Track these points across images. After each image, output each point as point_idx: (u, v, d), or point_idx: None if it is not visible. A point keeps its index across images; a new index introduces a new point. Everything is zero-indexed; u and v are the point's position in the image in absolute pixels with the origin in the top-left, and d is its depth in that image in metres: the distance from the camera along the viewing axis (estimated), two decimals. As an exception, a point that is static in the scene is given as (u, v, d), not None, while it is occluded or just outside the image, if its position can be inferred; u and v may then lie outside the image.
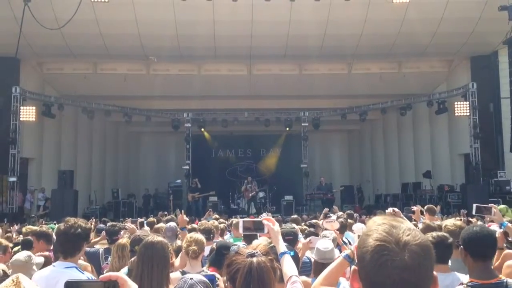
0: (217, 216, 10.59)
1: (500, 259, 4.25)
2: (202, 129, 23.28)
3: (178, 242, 5.57)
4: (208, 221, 8.26)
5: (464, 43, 18.89)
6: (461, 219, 6.55)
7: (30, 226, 8.01)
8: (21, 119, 18.68)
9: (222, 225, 7.70)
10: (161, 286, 3.04)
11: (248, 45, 18.77)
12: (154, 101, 22.01)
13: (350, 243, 5.88)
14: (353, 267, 1.38)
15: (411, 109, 21.69)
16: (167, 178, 24.32)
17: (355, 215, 11.70)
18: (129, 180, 25.82)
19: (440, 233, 3.72)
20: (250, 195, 21.14)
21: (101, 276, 1.44)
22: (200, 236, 4.62)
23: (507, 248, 4.54)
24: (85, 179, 22.19)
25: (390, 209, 5.83)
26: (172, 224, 7.33)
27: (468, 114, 19.35)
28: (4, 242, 5.59)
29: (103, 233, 7.13)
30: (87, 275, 3.37)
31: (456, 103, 19.73)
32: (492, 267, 3.53)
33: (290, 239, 5.09)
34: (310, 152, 22.89)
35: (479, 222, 6.18)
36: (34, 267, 3.99)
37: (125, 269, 4.06)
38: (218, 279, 3.71)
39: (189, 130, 22.10)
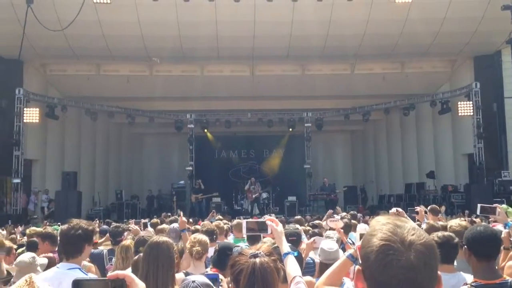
0: (221, 217, 10.57)
1: (507, 259, 4.23)
2: (205, 130, 23.31)
3: (180, 244, 5.57)
4: (212, 222, 8.26)
5: (467, 42, 18.84)
6: (465, 220, 6.54)
7: (34, 228, 8.03)
8: (24, 120, 18.72)
9: (226, 226, 7.69)
10: (166, 286, 3.03)
11: (250, 45, 18.77)
12: (156, 102, 22.04)
13: (354, 243, 5.87)
14: (357, 267, 1.37)
15: (414, 109, 21.64)
16: (171, 179, 24.36)
17: (359, 215, 11.69)
18: (133, 182, 25.86)
19: (446, 233, 3.71)
20: (254, 196, 21.13)
21: (108, 275, 1.44)
22: (204, 237, 4.61)
23: None
24: (89, 180, 22.23)
25: (393, 209, 5.81)
26: (176, 225, 7.33)
27: (471, 114, 19.30)
28: (8, 243, 5.59)
29: (107, 234, 7.15)
30: (90, 276, 3.37)
31: (459, 103, 19.69)
32: (498, 267, 3.52)
33: (294, 239, 5.09)
34: (313, 152, 22.88)
35: (483, 223, 6.15)
36: (39, 268, 4.00)
37: (128, 270, 4.06)
38: (221, 280, 3.71)
39: (192, 131, 22.12)
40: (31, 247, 5.69)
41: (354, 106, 22.20)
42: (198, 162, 22.20)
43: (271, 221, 2.97)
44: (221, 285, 3.62)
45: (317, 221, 8.87)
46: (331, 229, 6.05)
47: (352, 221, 8.12)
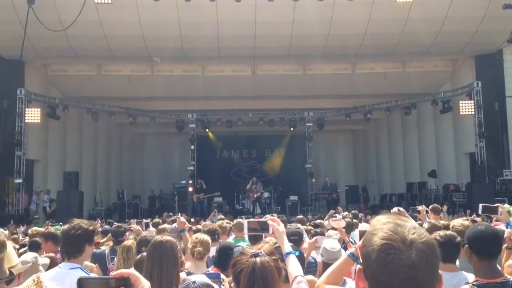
0: (222, 217, 10.58)
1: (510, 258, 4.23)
2: (207, 130, 23.31)
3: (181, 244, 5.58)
4: (213, 222, 8.26)
5: (468, 42, 18.82)
6: (467, 219, 6.53)
7: (36, 228, 8.04)
8: (26, 121, 18.75)
9: (228, 226, 7.69)
10: (171, 286, 3.02)
11: (251, 45, 18.76)
12: (158, 102, 22.05)
13: (355, 243, 5.87)
14: (358, 266, 1.37)
15: (415, 109, 21.63)
16: (172, 179, 24.38)
17: (360, 215, 11.68)
18: (134, 181, 25.88)
19: (448, 232, 3.71)
20: (255, 196, 21.14)
21: (113, 273, 1.44)
22: (205, 237, 4.62)
23: None
24: (91, 180, 22.26)
25: (395, 209, 5.82)
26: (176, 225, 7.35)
27: (473, 113, 19.28)
28: (10, 243, 5.59)
29: (109, 234, 7.16)
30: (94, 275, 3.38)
31: (461, 102, 19.66)
32: (500, 266, 3.52)
33: (295, 239, 5.09)
34: (314, 152, 22.86)
35: (485, 221, 6.14)
36: (41, 267, 4.01)
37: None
38: (223, 279, 3.72)
39: (194, 131, 22.12)
40: (33, 247, 5.71)
41: (355, 106, 22.19)
42: (199, 162, 22.21)
43: (273, 220, 2.97)
44: (223, 285, 3.63)
45: (319, 221, 8.87)
46: (333, 228, 6.06)
47: (354, 220, 8.12)
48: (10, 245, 2.74)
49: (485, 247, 3.09)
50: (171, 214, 13.82)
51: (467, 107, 19.45)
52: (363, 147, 27.00)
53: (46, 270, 3.91)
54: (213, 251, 4.97)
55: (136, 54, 19.37)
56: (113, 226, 7.83)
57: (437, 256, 1.31)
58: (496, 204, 5.29)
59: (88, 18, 16.40)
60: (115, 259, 5.60)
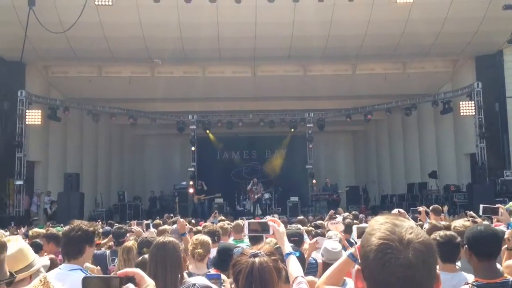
0: (223, 218, 10.58)
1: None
2: (207, 131, 23.31)
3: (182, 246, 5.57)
4: (214, 223, 8.26)
5: (469, 42, 18.82)
6: (468, 220, 6.53)
7: (37, 229, 8.05)
8: (27, 122, 18.77)
9: (229, 227, 7.69)
10: (175, 286, 3.02)
11: (252, 46, 18.77)
12: (158, 103, 22.07)
13: (356, 243, 5.86)
14: (356, 266, 1.38)
15: (416, 109, 21.63)
16: (173, 180, 24.37)
17: (361, 215, 11.68)
18: (135, 183, 25.89)
19: (448, 233, 3.71)
20: (256, 197, 21.14)
21: (118, 272, 1.45)
22: (206, 238, 4.62)
23: None
24: (91, 181, 22.27)
25: (395, 210, 5.82)
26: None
27: (473, 113, 19.28)
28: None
29: (110, 235, 7.16)
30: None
31: (461, 102, 19.65)
32: (501, 267, 3.52)
33: (296, 240, 5.10)
34: (315, 153, 22.87)
35: (485, 222, 6.14)
36: (41, 268, 4.01)
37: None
38: (223, 280, 3.72)
39: (194, 132, 22.13)
40: (35, 248, 5.70)
41: (356, 107, 22.19)
42: (200, 163, 22.21)
43: (273, 221, 2.98)
44: (224, 286, 3.63)
45: (319, 221, 8.87)
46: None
47: (354, 221, 8.12)
48: (25, 242, 2.73)
49: (484, 247, 3.09)
50: (171, 215, 13.81)
51: (467, 108, 19.45)
52: (364, 148, 26.99)
53: (47, 271, 3.91)
54: (213, 253, 4.97)
55: (137, 55, 19.39)
56: (114, 227, 7.82)
57: (434, 255, 1.31)
58: (497, 205, 5.30)
59: (89, 20, 16.42)
60: (116, 260, 5.61)
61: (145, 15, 17.35)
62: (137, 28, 17.74)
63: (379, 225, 1.33)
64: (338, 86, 21.16)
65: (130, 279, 1.42)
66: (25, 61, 18.58)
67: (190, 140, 22.09)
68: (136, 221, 10.18)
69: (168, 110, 22.67)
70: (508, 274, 3.11)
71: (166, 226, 7.51)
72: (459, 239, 3.63)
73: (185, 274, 3.80)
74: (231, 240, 6.99)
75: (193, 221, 11.27)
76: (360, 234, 1.45)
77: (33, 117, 18.98)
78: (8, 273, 1.92)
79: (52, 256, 4.90)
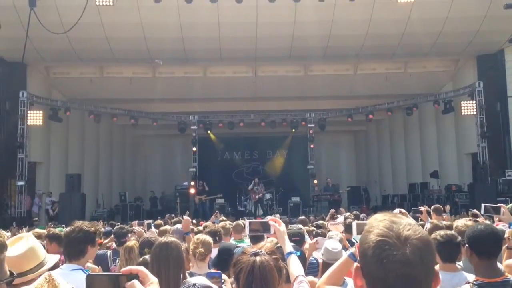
0: (224, 218, 10.58)
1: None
2: (208, 132, 23.32)
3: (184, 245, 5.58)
4: (215, 223, 8.26)
5: (470, 42, 18.81)
6: (470, 220, 6.52)
7: (38, 230, 8.05)
8: (28, 123, 18.79)
9: (231, 227, 7.69)
10: (177, 286, 3.02)
11: (252, 47, 18.78)
12: (159, 104, 22.08)
13: (357, 242, 5.85)
14: (355, 264, 1.38)
15: (417, 109, 21.61)
16: (174, 180, 24.39)
17: (362, 215, 11.67)
18: (136, 183, 25.92)
19: (448, 232, 3.71)
20: (257, 197, 21.14)
21: (122, 269, 1.45)
22: (207, 238, 4.62)
23: None
24: (93, 182, 22.29)
25: (396, 210, 5.81)
26: (179, 226, 7.36)
27: (475, 113, 19.26)
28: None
29: (112, 235, 7.17)
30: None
31: (462, 102, 19.64)
32: (502, 266, 3.51)
33: (297, 239, 5.10)
34: (316, 153, 22.87)
35: (487, 221, 6.14)
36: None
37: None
38: (224, 280, 3.72)
39: (195, 133, 22.14)
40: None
41: (357, 107, 22.18)
42: (201, 164, 22.23)
43: (274, 221, 2.98)
44: (225, 285, 3.63)
45: (320, 222, 8.87)
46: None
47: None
48: (36, 240, 2.70)
49: (485, 246, 3.09)
50: (173, 215, 13.82)
51: (468, 108, 19.43)
52: (365, 148, 26.99)
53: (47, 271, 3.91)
54: (215, 253, 4.98)
55: (138, 56, 19.40)
56: (115, 227, 7.83)
57: (432, 252, 1.31)
58: (499, 204, 5.29)
59: (90, 20, 16.43)
60: (117, 260, 5.61)
61: (146, 16, 17.36)
62: (138, 29, 17.75)
63: (377, 223, 1.34)
64: (339, 86, 21.16)
65: (134, 276, 1.42)
66: (26, 62, 18.60)
67: (191, 141, 22.11)
68: (137, 221, 10.19)
69: (169, 110, 22.69)
70: (509, 273, 3.10)
71: (167, 227, 7.52)
72: (459, 238, 3.62)
73: (187, 274, 3.81)
74: (231, 240, 7.00)
75: (194, 221, 11.27)
76: (360, 230, 1.46)
77: (35, 118, 19.00)
78: (8, 273, 1.92)
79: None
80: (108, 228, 8.83)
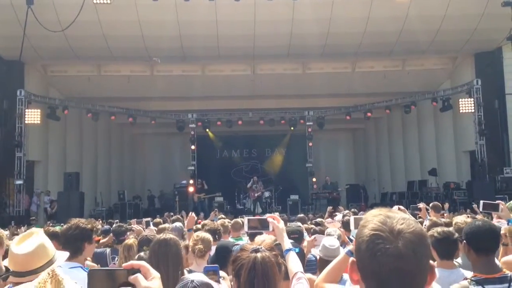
0: (223, 216, 10.58)
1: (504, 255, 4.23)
2: (207, 130, 23.31)
3: (183, 242, 5.58)
4: (214, 221, 8.26)
5: (468, 40, 18.82)
6: (469, 216, 6.54)
7: (36, 228, 8.06)
8: (26, 122, 18.75)
9: (229, 225, 7.69)
10: (176, 283, 3.01)
11: (251, 44, 18.78)
12: (158, 102, 22.06)
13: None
14: (351, 259, 1.39)
15: (415, 107, 21.63)
16: (173, 179, 24.38)
17: (361, 213, 11.67)
18: (135, 182, 25.90)
19: (445, 229, 3.72)
20: (256, 195, 21.15)
21: (123, 264, 1.45)
22: (207, 235, 4.62)
23: None
24: (91, 181, 22.27)
25: (395, 207, 5.81)
26: (178, 224, 7.36)
27: (473, 111, 19.28)
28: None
29: (111, 234, 7.17)
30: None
31: (460, 100, 19.66)
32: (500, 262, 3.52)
33: (296, 237, 5.12)
34: (315, 151, 22.87)
35: (485, 218, 6.15)
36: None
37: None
38: (223, 277, 3.72)
39: (194, 131, 22.13)
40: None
41: (355, 105, 22.18)
42: (200, 162, 22.22)
43: (273, 218, 2.98)
44: (222, 277, 3.62)
45: (319, 219, 8.88)
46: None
47: (354, 219, 8.11)
48: (45, 237, 2.68)
49: (482, 242, 3.09)
50: (171, 213, 13.83)
51: (467, 105, 19.45)
52: (364, 146, 27.01)
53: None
54: (213, 250, 4.98)
55: (136, 54, 19.38)
56: (114, 225, 7.83)
57: (426, 246, 1.32)
58: (497, 201, 5.30)
59: (87, 18, 16.40)
60: (116, 258, 5.61)
61: (144, 14, 17.34)
62: (135, 27, 17.73)
63: (372, 217, 1.35)
64: (337, 84, 21.16)
65: (136, 271, 1.42)
66: (24, 60, 18.55)
67: (190, 139, 22.09)
68: (135, 219, 10.19)
69: (168, 108, 22.66)
70: (506, 269, 3.11)
71: (166, 225, 7.51)
72: (456, 235, 3.63)
73: (186, 271, 3.81)
74: (229, 238, 7.00)
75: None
76: (357, 225, 1.46)
77: (33, 116, 18.96)
78: (4, 269, 1.91)
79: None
80: (107, 227, 8.83)
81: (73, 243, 3.42)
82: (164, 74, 20.91)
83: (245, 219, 3.24)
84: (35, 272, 2.38)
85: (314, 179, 21.60)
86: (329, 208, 11.17)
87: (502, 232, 3.88)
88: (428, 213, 8.07)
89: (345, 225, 6.19)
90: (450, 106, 20.18)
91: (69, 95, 21.49)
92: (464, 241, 3.21)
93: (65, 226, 3.58)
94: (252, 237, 4.43)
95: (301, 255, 4.14)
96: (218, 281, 3.17)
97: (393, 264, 1.25)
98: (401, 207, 5.78)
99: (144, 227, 7.91)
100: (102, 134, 23.57)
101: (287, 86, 21.24)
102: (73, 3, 15.92)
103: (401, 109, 22.17)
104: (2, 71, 19.10)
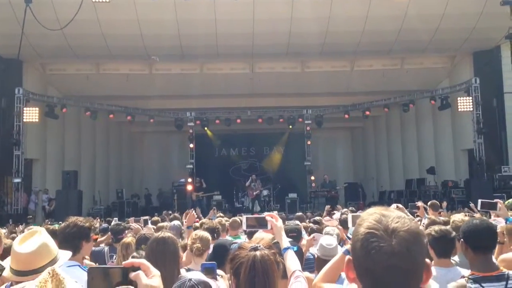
0: (221, 215, 10.58)
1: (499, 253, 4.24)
2: (205, 128, 23.30)
3: (182, 241, 5.59)
4: (211, 219, 8.26)
5: (466, 38, 18.84)
6: (466, 215, 6.54)
7: (33, 227, 8.05)
8: (24, 120, 18.72)
9: (227, 223, 7.70)
10: (172, 282, 3.01)
11: (249, 43, 18.77)
12: (156, 101, 22.05)
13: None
14: (347, 257, 1.40)
15: (414, 105, 21.64)
16: (171, 177, 24.38)
17: (358, 211, 11.69)
18: (133, 180, 25.90)
19: (442, 227, 3.72)
20: (254, 193, 21.15)
21: (124, 262, 1.45)
22: (205, 234, 4.62)
23: None
24: (89, 179, 22.25)
25: (394, 205, 5.81)
26: (176, 222, 7.37)
27: (471, 109, 19.31)
28: (10, 242, 5.59)
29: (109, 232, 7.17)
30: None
31: (459, 98, 19.68)
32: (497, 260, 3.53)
33: (294, 235, 5.12)
34: (313, 149, 22.90)
35: (484, 217, 6.15)
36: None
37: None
38: (221, 276, 3.72)
39: (193, 129, 22.12)
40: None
41: (354, 103, 22.18)
42: (198, 160, 22.22)
43: (271, 216, 2.98)
44: (220, 275, 3.62)
45: (317, 218, 8.89)
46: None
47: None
48: (48, 235, 2.67)
49: (480, 240, 3.10)
50: (170, 212, 13.83)
51: (465, 104, 19.47)
52: (362, 144, 27.03)
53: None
54: (211, 249, 4.98)
55: (134, 52, 19.36)
56: (112, 223, 7.83)
57: (421, 244, 1.32)
58: (496, 200, 5.31)
59: (86, 17, 16.38)
60: (114, 256, 5.61)
61: (143, 12, 17.32)
62: (134, 25, 17.71)
63: (367, 216, 1.36)
64: (336, 83, 21.17)
65: (136, 269, 1.42)
66: (22, 58, 18.52)
67: (188, 137, 22.10)
68: (133, 218, 10.19)
69: (166, 107, 22.64)
70: (504, 267, 3.12)
71: (164, 223, 7.52)
72: (453, 234, 3.64)
73: (184, 270, 3.81)
74: (227, 237, 7.01)
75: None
76: (355, 222, 1.47)
77: (31, 114, 18.93)
78: None
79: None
80: (105, 225, 8.83)
81: (71, 241, 3.40)
82: (163, 73, 20.89)
83: (243, 218, 3.24)
84: (38, 271, 2.36)
85: (312, 178, 21.62)
86: (327, 207, 11.17)
87: (498, 230, 3.89)
88: (426, 211, 8.09)
89: (343, 223, 6.20)
90: (449, 104, 20.20)
91: (68, 93, 21.45)
92: (462, 239, 3.21)
93: (63, 224, 3.57)
94: (250, 235, 4.43)
95: (299, 253, 4.15)
96: (215, 279, 3.17)
97: (387, 262, 1.26)
98: (400, 205, 5.78)
99: (142, 225, 7.91)
100: (100, 132, 23.54)
101: (286, 84, 21.24)
102: (71, 2, 15.89)
103: (400, 107, 22.18)
104: (0, 69, 19.07)
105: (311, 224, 7.60)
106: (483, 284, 2.91)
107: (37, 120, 19.22)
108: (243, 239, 6.16)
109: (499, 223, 4.41)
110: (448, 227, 3.92)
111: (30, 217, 18.05)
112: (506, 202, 7.34)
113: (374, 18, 17.62)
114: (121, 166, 25.27)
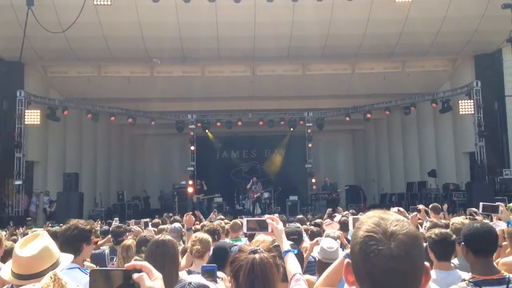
0: (222, 217, 10.58)
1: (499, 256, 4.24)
2: (206, 131, 23.32)
3: (182, 244, 5.59)
4: (212, 221, 8.26)
5: (468, 41, 18.84)
6: (467, 218, 6.53)
7: (35, 229, 8.05)
8: (26, 122, 18.76)
9: (227, 226, 7.70)
10: (170, 285, 3.01)
11: (251, 46, 18.79)
12: (157, 103, 22.06)
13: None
14: (346, 260, 1.40)
15: (415, 108, 21.63)
16: (172, 179, 24.38)
17: (359, 214, 11.67)
18: (134, 182, 25.90)
19: (443, 230, 3.72)
20: (255, 196, 21.14)
21: (126, 265, 1.44)
22: (205, 236, 4.62)
23: None
24: (90, 181, 22.26)
25: (395, 209, 5.82)
26: (177, 225, 7.37)
27: (472, 112, 19.30)
28: (10, 244, 5.60)
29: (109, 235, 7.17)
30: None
31: (460, 101, 19.67)
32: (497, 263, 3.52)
33: (295, 238, 5.11)
34: (314, 152, 22.88)
35: (485, 220, 6.14)
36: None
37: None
38: (222, 278, 3.71)
39: (194, 132, 22.13)
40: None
41: (355, 106, 22.19)
42: (199, 163, 22.22)
43: (271, 219, 2.98)
44: (221, 278, 3.61)
45: (318, 220, 8.88)
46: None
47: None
48: (50, 238, 2.66)
49: (481, 244, 3.09)
50: (170, 214, 13.82)
51: (466, 107, 19.46)
52: (363, 147, 27.01)
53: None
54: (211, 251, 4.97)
55: (136, 55, 19.39)
56: (113, 226, 7.83)
57: (420, 247, 1.33)
58: (497, 203, 5.29)
59: (88, 20, 16.41)
60: (115, 258, 5.61)
61: (144, 15, 17.35)
62: (136, 28, 17.74)
63: (366, 219, 1.36)
64: (337, 85, 21.17)
65: (138, 271, 1.42)
66: (24, 61, 18.57)
67: (189, 140, 22.11)
68: (134, 220, 10.19)
69: (167, 109, 22.67)
70: (505, 271, 3.11)
71: (165, 225, 7.52)
72: (454, 237, 3.63)
73: (185, 272, 3.81)
74: (226, 239, 7.01)
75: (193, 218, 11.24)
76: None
77: (32, 117, 18.97)
78: None
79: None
80: (106, 227, 8.83)
81: (71, 244, 3.40)
82: (164, 75, 20.91)
83: (244, 220, 3.23)
84: (40, 275, 2.34)
85: (313, 180, 21.60)
86: (329, 210, 11.16)
87: (498, 233, 3.88)
88: (428, 214, 8.08)
89: (343, 226, 6.19)
90: (450, 107, 20.19)
91: (69, 96, 21.49)
92: (463, 242, 3.21)
93: (64, 227, 3.57)
94: (251, 238, 4.43)
95: (300, 256, 4.14)
96: (215, 281, 3.16)
97: (386, 265, 1.26)
98: (401, 208, 5.80)
99: (143, 227, 7.91)
100: (101, 134, 23.57)
101: (287, 87, 21.24)
102: (73, 4, 15.93)
103: (401, 110, 22.18)
104: (2, 72, 19.09)
105: (312, 227, 7.59)
106: (484, 287, 2.91)
107: (38, 122, 19.25)
108: (243, 241, 6.15)
109: (499, 227, 4.41)
110: (448, 230, 3.91)
111: (30, 219, 18.04)
112: (508, 205, 7.33)
113: (376, 21, 17.64)
114: (122, 168, 25.29)
